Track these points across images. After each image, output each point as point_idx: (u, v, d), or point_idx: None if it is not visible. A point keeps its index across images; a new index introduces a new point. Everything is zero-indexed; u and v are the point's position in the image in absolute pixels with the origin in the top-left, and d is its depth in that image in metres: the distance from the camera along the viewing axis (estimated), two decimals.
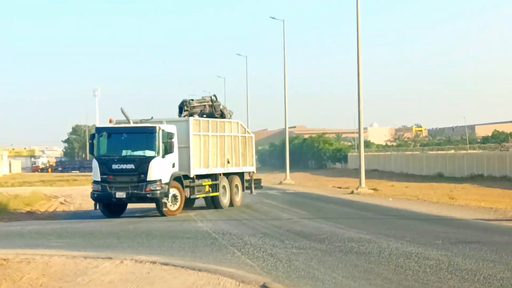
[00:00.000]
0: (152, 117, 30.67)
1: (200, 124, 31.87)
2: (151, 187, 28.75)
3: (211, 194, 32.93)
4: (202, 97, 34.47)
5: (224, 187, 33.73)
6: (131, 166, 28.84)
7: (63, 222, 28.58)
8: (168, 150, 29.19)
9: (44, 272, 15.48)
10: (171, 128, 29.89)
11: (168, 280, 14.47)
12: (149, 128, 29.21)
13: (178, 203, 29.98)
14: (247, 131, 36.20)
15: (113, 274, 15.19)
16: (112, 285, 13.94)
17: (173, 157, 29.72)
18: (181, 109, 33.08)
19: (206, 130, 32.23)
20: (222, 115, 34.78)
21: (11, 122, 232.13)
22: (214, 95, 34.74)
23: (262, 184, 38.79)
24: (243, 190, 35.87)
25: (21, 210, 35.10)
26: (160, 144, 28.98)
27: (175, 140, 29.59)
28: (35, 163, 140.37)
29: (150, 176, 28.76)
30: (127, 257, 17.37)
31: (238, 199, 35.36)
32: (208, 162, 32.12)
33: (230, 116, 35.41)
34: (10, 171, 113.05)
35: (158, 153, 28.94)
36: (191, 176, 30.92)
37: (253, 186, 36.75)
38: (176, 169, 30.02)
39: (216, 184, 33.01)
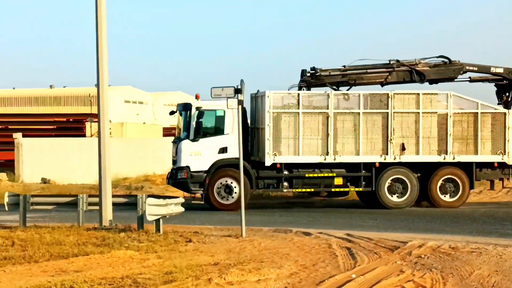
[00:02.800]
0: (258, 91, 25.54)
1: (298, 98, 24.70)
2: (178, 174, 24.81)
3: (345, 189, 25.35)
4: (389, 61, 26.28)
5: (397, 180, 25.08)
6: (174, 149, 25.61)
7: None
8: (203, 132, 24.58)
9: (497, 268, 13.22)
10: (215, 105, 24.40)
11: None
12: (185, 106, 25.23)
13: (235, 196, 24.41)
14: (482, 105, 25.50)
15: None
16: None
17: (222, 140, 24.59)
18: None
19: (322, 106, 24.76)
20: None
21: None
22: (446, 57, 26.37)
23: None
24: (471, 187, 25.59)
25: None
26: (191, 125, 24.59)
27: (229, 119, 24.34)
28: None
29: (178, 162, 24.84)
30: None
31: (453, 198, 25.29)
32: (326, 149, 24.65)
33: None
34: None
35: (189, 136, 24.72)
36: (267, 164, 24.56)
37: (503, 181, 26.37)
38: (234, 154, 23.42)
39: (361, 177, 24.87)
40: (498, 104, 26.48)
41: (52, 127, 42.81)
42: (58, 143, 36.62)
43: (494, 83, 27.04)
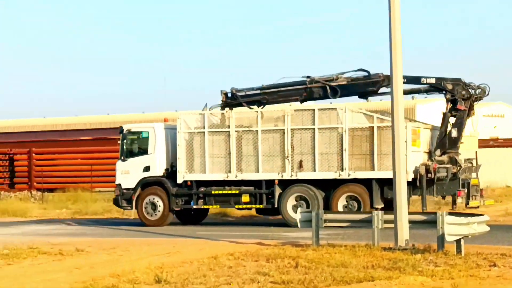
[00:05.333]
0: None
1: (204, 119, 25.52)
2: (115, 191, 27.02)
3: (252, 206, 25.52)
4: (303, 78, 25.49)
5: (301, 198, 24.52)
6: None
7: None
8: (130, 152, 26.67)
9: None
10: (141, 127, 27.12)
11: None
12: (120, 128, 27.02)
13: (159, 213, 26.00)
14: (379, 119, 23.82)
15: None
16: None
17: (146, 159, 26.29)
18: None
19: (223, 125, 25.39)
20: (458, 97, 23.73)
21: None
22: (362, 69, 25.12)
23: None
24: (371, 205, 23.56)
25: None
26: (122, 146, 26.76)
27: (152, 140, 26.20)
28: None
29: (116, 180, 26.89)
30: None
31: None
32: (229, 167, 25.08)
33: (477, 95, 23.85)
34: None
35: (121, 156, 26.76)
36: (179, 182, 25.68)
37: (424, 202, 23.63)
38: (156, 172, 26.10)
39: (263, 194, 24.85)
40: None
41: None
42: None
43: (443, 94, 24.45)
